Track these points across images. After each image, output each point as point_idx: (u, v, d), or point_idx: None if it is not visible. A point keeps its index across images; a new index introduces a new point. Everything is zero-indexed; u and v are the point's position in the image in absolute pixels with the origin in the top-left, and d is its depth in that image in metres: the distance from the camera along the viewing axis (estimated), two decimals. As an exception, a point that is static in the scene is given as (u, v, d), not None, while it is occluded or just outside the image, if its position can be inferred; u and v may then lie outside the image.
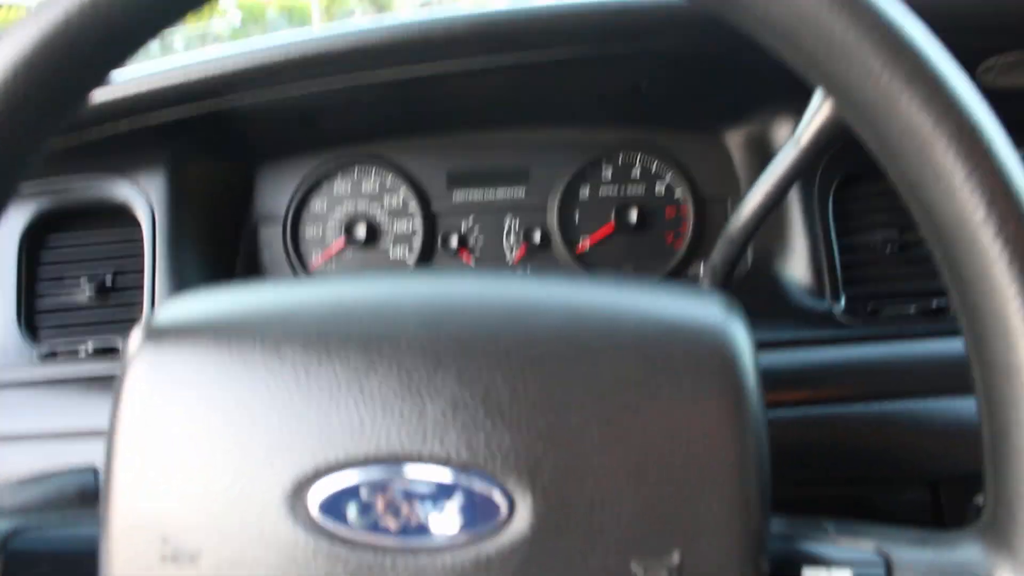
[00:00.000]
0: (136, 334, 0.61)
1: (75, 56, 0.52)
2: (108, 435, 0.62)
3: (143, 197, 1.30)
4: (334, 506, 0.59)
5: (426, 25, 1.15)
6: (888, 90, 0.46)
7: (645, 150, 1.44)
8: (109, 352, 1.26)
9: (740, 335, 0.60)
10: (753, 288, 1.32)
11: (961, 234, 0.44)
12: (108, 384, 1.20)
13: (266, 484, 0.60)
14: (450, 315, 0.63)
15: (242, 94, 1.21)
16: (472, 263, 1.46)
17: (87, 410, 1.18)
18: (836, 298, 1.24)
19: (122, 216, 1.34)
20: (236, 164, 1.44)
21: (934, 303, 1.21)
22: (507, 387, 0.58)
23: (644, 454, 0.59)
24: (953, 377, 1.15)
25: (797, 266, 1.28)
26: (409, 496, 0.59)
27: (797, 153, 0.89)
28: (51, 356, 1.21)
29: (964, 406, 1.13)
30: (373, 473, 0.60)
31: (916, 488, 1.16)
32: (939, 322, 1.21)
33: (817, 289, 1.25)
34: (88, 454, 1.11)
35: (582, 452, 0.59)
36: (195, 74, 1.18)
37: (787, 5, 0.47)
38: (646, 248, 1.45)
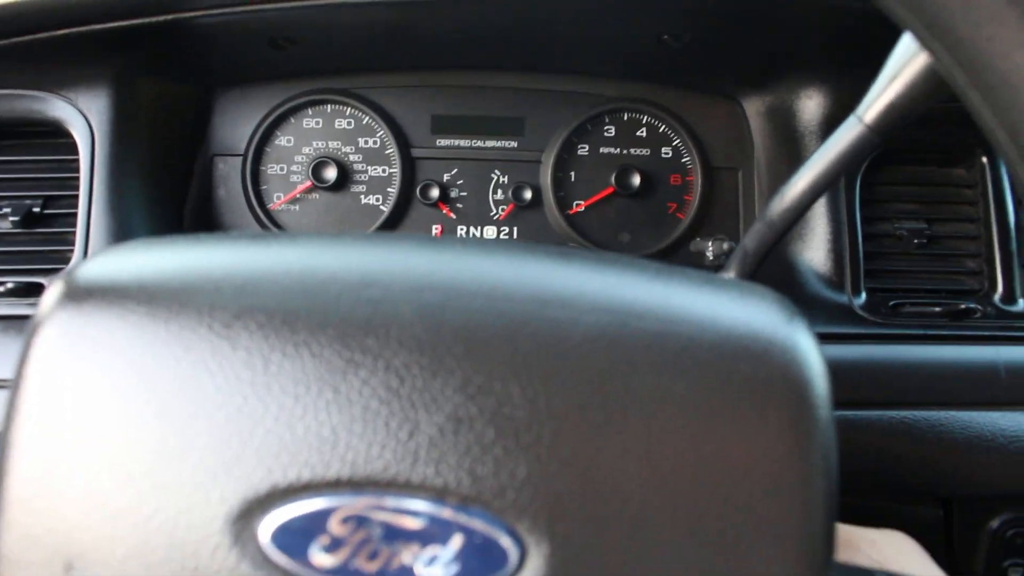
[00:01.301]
0: (53, 289, 0.49)
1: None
2: (4, 420, 0.48)
3: (82, 117, 1.14)
4: (292, 539, 0.46)
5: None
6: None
7: (654, 109, 1.31)
8: (32, 291, 1.10)
9: (810, 350, 0.49)
10: (765, 272, 1.20)
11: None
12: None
13: (205, 504, 0.46)
14: (456, 301, 0.49)
15: (203, 6, 1.04)
16: (452, 216, 1.32)
17: (1, 357, 1.02)
18: (857, 291, 1.13)
19: (57, 138, 1.17)
20: (192, 88, 1.28)
21: (962, 305, 1.09)
22: (525, 401, 0.46)
23: (694, 494, 0.46)
24: (976, 389, 1.05)
25: (816, 252, 1.16)
26: (391, 534, 0.45)
27: (863, 129, 0.76)
28: (-36, 292, 1.04)
29: (984, 421, 1.03)
30: (346, 501, 0.46)
31: (929, 503, 1.06)
32: (965, 326, 1.10)
33: (836, 279, 1.13)
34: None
35: (616, 488, 0.46)
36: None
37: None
38: (646, 216, 1.32)
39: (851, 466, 1.00)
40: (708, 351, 0.49)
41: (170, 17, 1.05)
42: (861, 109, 0.77)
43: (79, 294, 0.47)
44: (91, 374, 0.46)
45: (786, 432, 0.47)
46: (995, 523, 1.09)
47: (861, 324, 1.10)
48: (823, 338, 1.07)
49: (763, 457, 0.47)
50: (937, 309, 1.11)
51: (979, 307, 1.11)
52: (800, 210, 0.81)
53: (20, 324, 1.05)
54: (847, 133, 0.78)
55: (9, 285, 1.09)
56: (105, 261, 0.51)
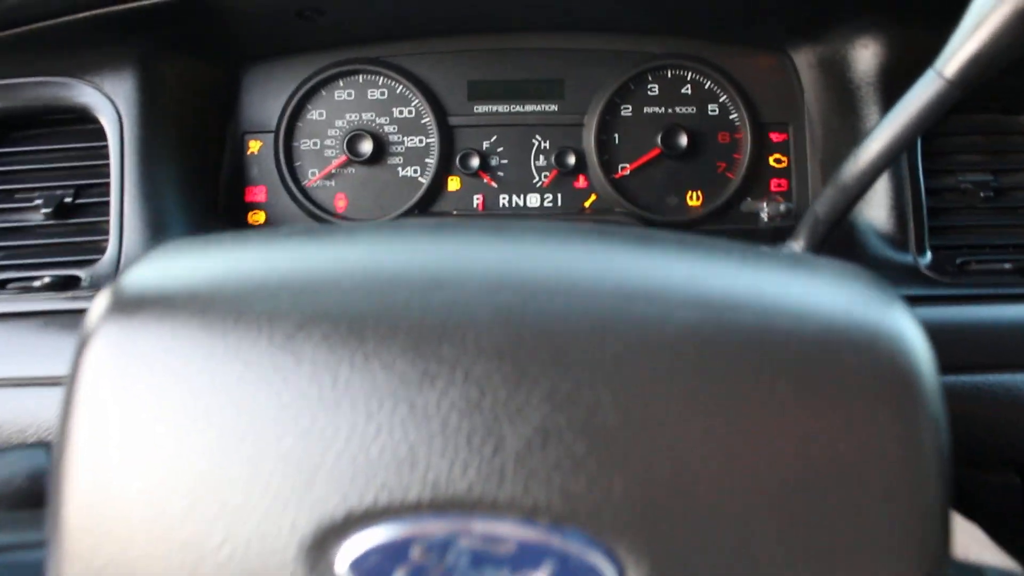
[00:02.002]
0: (100, 300, 0.45)
1: None
2: (56, 449, 0.45)
3: (108, 102, 1.10)
4: (372, 569, 0.42)
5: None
6: None
7: (698, 65, 1.25)
8: (70, 284, 1.07)
9: (916, 337, 0.46)
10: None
11: None
12: (68, 322, 1.02)
13: (277, 533, 0.42)
14: (536, 301, 0.45)
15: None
16: (494, 186, 1.27)
17: (42, 354, 0.99)
18: (921, 250, 1.07)
19: (85, 125, 1.13)
20: (219, 65, 1.24)
21: (1034, 259, 1.04)
22: (617, 409, 0.42)
23: (804, 501, 0.43)
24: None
25: (877, 210, 1.10)
26: (479, 561, 0.42)
27: (943, 84, 0.70)
28: (0, 287, 1.02)
29: (1063, 382, 0.98)
30: (428, 525, 0.42)
31: (1004, 471, 1.02)
32: (1038, 281, 1.04)
33: (900, 238, 1.08)
34: (43, 408, 0.94)
35: (719, 500, 0.42)
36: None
37: None
38: (694, 177, 1.27)
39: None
40: (810, 345, 0.45)
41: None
42: (940, 63, 0.71)
43: (128, 305, 0.44)
44: (145, 395, 0.43)
45: (900, 428, 0.43)
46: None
47: (927, 285, 1.05)
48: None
49: (876, 457, 0.43)
50: (1007, 266, 1.05)
51: (1052, 262, 1.05)
52: (875, 174, 0.76)
53: (60, 320, 1.02)
54: (925, 89, 0.72)
55: (46, 279, 1.06)
56: (153, 266, 0.48)
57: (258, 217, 1.28)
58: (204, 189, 1.20)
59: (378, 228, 0.53)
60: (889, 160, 0.75)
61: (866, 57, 1.12)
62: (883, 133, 0.74)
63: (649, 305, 0.45)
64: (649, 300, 0.45)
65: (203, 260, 0.48)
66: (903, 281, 1.05)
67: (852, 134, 1.13)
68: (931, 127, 1.09)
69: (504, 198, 1.28)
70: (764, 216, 1.17)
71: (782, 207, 1.13)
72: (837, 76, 1.16)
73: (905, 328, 0.45)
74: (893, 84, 1.11)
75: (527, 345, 0.42)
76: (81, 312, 1.00)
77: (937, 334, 1.03)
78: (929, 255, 1.08)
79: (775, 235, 1.15)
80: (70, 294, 1.05)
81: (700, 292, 0.46)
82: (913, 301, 1.04)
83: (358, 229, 0.52)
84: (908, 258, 1.07)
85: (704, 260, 0.51)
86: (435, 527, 0.42)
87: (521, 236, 0.51)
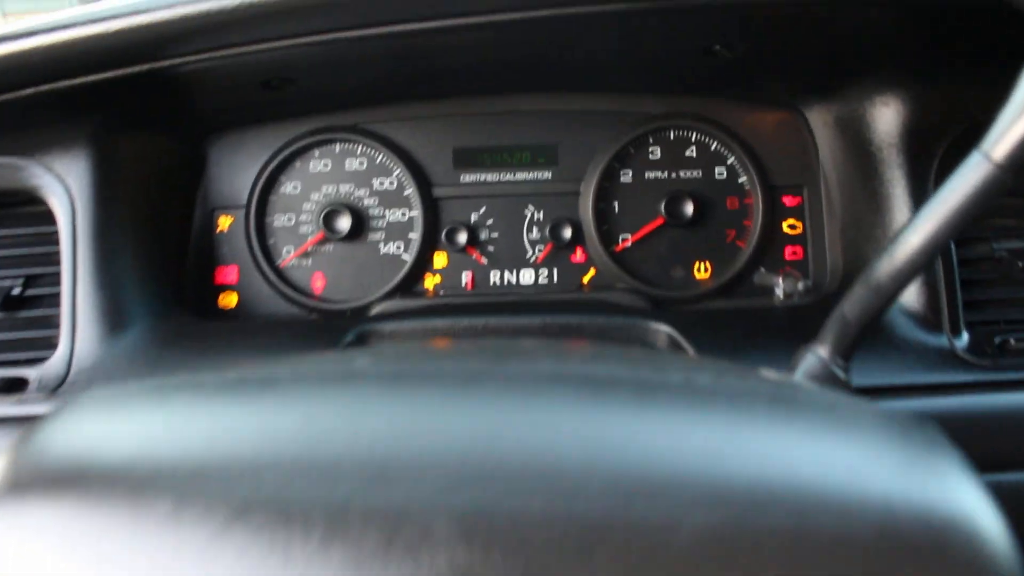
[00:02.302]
0: None
1: None
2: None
3: (59, 183, 1.00)
4: None
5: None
6: None
7: (702, 124, 1.16)
8: (16, 386, 0.97)
9: (998, 538, 0.38)
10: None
11: None
12: (13, 431, 0.92)
13: None
14: (507, 503, 0.35)
15: (178, 53, 0.90)
16: (484, 262, 1.17)
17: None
18: (956, 330, 0.97)
19: (36, 207, 1.04)
20: (182, 139, 1.15)
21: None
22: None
23: None
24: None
25: (906, 285, 0.99)
26: None
27: (992, 169, 0.60)
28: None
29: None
30: None
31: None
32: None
33: (932, 318, 0.97)
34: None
35: None
36: (122, 25, 0.87)
37: None
38: (702, 247, 1.17)
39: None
40: (862, 554, 0.35)
41: (145, 68, 0.91)
42: (987, 144, 0.61)
43: (25, 483, 0.38)
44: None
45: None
46: None
47: (965, 369, 0.94)
48: (922, 390, 0.92)
49: None
50: (1053, 345, 0.94)
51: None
52: (913, 271, 0.65)
53: (4, 428, 0.92)
54: (971, 174, 0.62)
55: (-10, 382, 0.96)
56: (60, 429, 0.42)
57: (229, 300, 1.18)
58: (168, 275, 1.10)
59: (325, 381, 0.46)
60: (930, 256, 0.64)
61: (887, 116, 1.03)
62: (923, 224, 0.64)
63: (653, 505, 0.35)
64: (653, 497, 0.35)
65: (115, 422, 0.42)
66: (937, 366, 0.94)
67: (874, 200, 1.03)
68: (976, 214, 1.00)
69: (495, 275, 1.18)
70: (779, 292, 1.06)
71: (800, 284, 1.03)
72: (855, 136, 1.06)
73: (983, 523, 0.36)
74: (918, 145, 1.01)
75: (497, 562, 0.32)
76: (28, 419, 0.90)
77: (978, 426, 0.93)
78: (965, 336, 0.97)
79: (792, 316, 1.04)
80: (16, 398, 0.95)
81: (718, 481, 0.36)
82: (951, 389, 0.93)
83: (304, 380, 0.46)
84: (942, 340, 0.96)
85: (720, 423, 0.41)
86: None
87: (496, 394, 0.43)
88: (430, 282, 1.18)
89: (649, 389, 0.45)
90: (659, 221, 1.16)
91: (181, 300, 1.13)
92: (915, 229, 0.64)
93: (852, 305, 0.69)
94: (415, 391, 0.43)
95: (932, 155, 1.02)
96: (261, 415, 0.42)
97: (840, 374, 0.70)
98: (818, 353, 0.71)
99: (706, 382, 0.49)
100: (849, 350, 0.70)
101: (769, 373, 0.63)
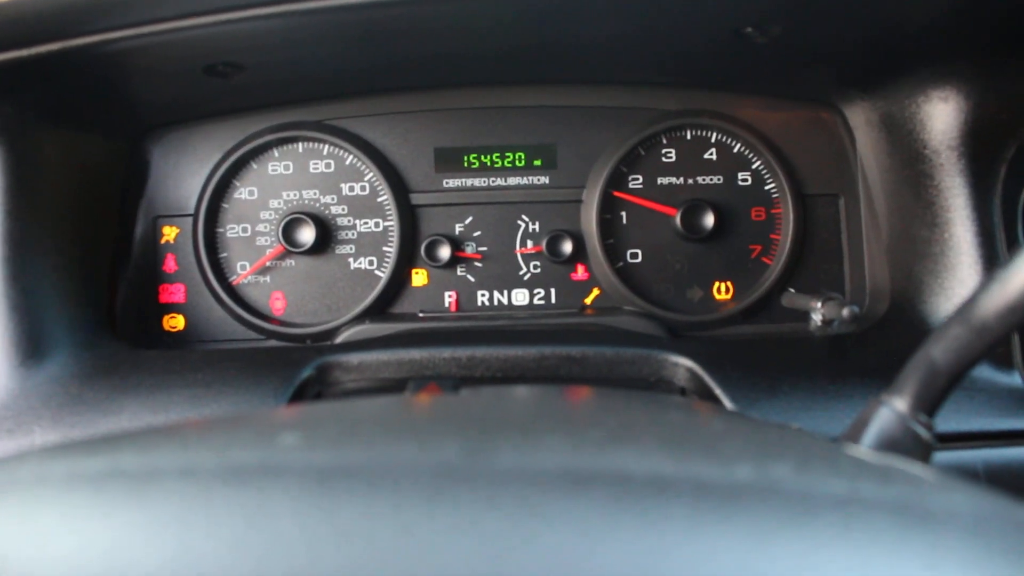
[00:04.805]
0: None
1: None
2: None
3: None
4: None
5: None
6: None
7: (724, 123, 1.01)
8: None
9: None
10: (892, 341, 0.89)
11: None
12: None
13: None
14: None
15: (103, 29, 0.74)
16: (470, 280, 1.02)
17: None
18: (1029, 366, 0.82)
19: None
20: (117, 136, 0.99)
21: None
22: None
23: None
24: None
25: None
26: None
27: None
28: None
29: None
30: None
31: None
32: None
33: (1002, 352, 0.83)
34: None
35: None
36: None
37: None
38: (722, 264, 1.03)
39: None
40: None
41: (57, 47, 0.74)
42: None
43: None
44: None
45: None
46: None
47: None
48: (994, 437, 0.77)
49: None
50: None
51: None
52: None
53: None
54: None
55: None
56: None
57: (176, 322, 1.02)
58: (98, 295, 0.94)
59: (228, 476, 0.34)
60: (1014, 321, 0.49)
61: (945, 113, 0.88)
62: (1006, 280, 0.49)
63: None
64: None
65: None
66: (1010, 409, 0.80)
67: (929, 212, 0.89)
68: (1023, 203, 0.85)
69: (483, 295, 1.03)
70: (817, 319, 0.91)
71: (845, 311, 0.87)
72: (906, 137, 0.91)
73: None
74: (982, 147, 0.87)
75: None
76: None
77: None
78: (1041, 374, 0.83)
79: (832, 347, 0.89)
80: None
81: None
82: (1025, 438, 0.78)
83: (199, 474, 0.34)
84: (1015, 379, 0.82)
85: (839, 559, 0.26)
86: None
87: (480, 513, 0.30)
88: (407, 303, 1.02)
89: (715, 498, 0.30)
90: (671, 233, 1.00)
91: (113, 325, 0.96)
92: (998, 286, 0.49)
93: (944, 348, 0.53)
94: (348, 505, 0.28)
95: (999, 159, 0.87)
96: (135, 527, 0.31)
97: (924, 434, 0.54)
98: (895, 407, 0.55)
99: (786, 476, 0.34)
100: (935, 404, 0.54)
101: (860, 451, 0.47)
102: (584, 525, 0.28)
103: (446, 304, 1.03)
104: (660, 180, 1.02)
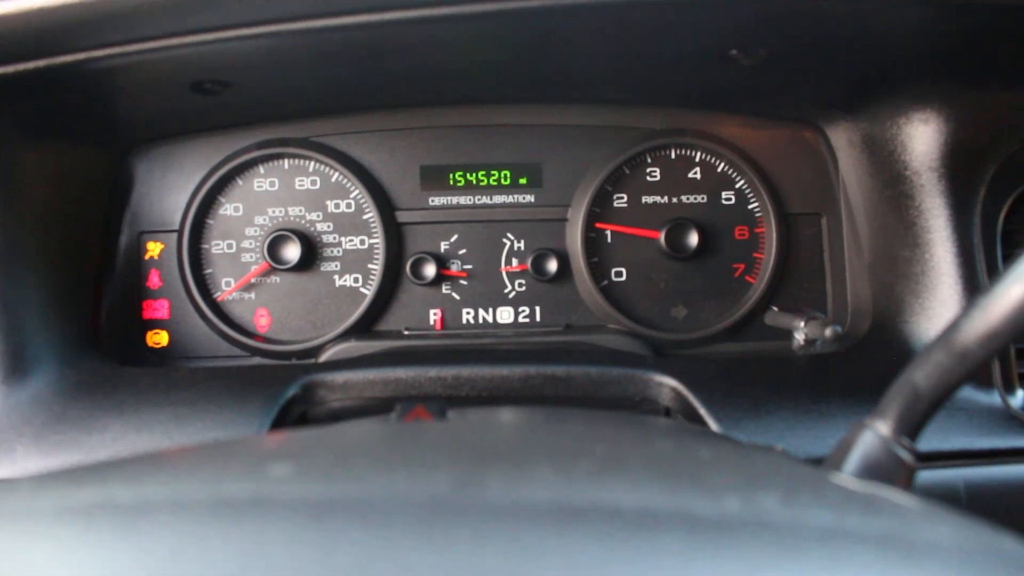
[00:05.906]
0: None
1: None
2: None
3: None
4: None
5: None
6: None
7: (709, 143, 1.01)
8: None
9: None
10: (874, 360, 0.90)
11: None
12: None
13: None
14: None
15: (92, 47, 0.73)
16: (455, 298, 1.02)
17: None
18: (1011, 386, 0.83)
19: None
20: (103, 150, 0.98)
21: None
22: None
23: None
24: None
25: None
26: None
27: None
28: None
29: None
30: None
31: None
32: None
33: (983, 373, 0.83)
34: None
35: None
36: (11, 9, 0.70)
37: None
38: (706, 283, 1.03)
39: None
40: None
41: (43, 63, 0.74)
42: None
43: None
44: None
45: None
46: None
47: (1022, 431, 0.80)
48: (975, 456, 0.78)
49: None
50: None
51: None
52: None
53: None
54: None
55: None
56: None
57: (160, 339, 1.01)
58: (82, 311, 0.94)
59: (217, 510, 0.34)
60: (1000, 344, 0.49)
61: (926, 135, 0.89)
62: (995, 301, 0.49)
63: None
64: None
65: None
66: (991, 428, 0.81)
67: (911, 233, 0.89)
68: (1001, 220, 0.86)
69: (468, 313, 1.03)
70: (800, 338, 0.91)
71: (828, 331, 0.87)
72: (887, 158, 0.92)
73: None
74: (963, 168, 0.88)
75: None
76: None
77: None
78: (1020, 393, 0.84)
79: (815, 367, 0.89)
80: None
81: None
82: (1007, 457, 0.79)
83: (191, 507, 0.34)
84: (994, 398, 0.83)
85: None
86: None
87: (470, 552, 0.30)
88: (392, 321, 1.02)
89: (704, 532, 0.30)
90: (656, 252, 1.01)
91: (97, 341, 0.96)
92: (1019, 277, 0.49)
93: (926, 373, 0.54)
94: (341, 540, 0.28)
95: (979, 180, 0.88)
96: (126, 562, 0.31)
97: (907, 458, 0.55)
98: (877, 430, 0.56)
99: (774, 508, 0.34)
100: (917, 428, 0.55)
101: (845, 480, 0.48)
102: (576, 560, 0.28)
103: (431, 322, 1.03)
104: (644, 199, 1.02)
